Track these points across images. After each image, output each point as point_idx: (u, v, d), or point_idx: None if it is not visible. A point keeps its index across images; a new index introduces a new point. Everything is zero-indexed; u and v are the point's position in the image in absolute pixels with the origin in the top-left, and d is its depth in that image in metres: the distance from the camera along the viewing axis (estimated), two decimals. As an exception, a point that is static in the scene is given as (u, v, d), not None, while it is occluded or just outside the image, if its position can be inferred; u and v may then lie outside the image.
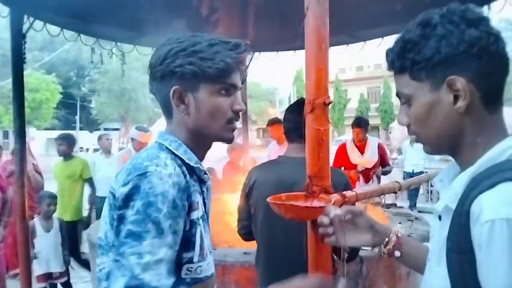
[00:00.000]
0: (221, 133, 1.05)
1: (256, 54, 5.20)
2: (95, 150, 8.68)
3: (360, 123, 4.79)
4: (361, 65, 36.30)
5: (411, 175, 8.09)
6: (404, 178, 8.31)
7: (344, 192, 1.46)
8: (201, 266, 1.01)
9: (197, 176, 1.06)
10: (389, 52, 0.86)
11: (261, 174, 1.85)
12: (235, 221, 3.65)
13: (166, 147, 1.02)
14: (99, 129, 29.05)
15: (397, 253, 1.05)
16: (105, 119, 28.71)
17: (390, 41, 0.90)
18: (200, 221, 1.03)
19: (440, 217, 0.85)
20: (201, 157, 1.09)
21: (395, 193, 1.83)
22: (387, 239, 1.06)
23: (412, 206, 8.36)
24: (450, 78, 0.78)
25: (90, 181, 5.01)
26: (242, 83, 1.10)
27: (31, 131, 24.71)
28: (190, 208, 0.99)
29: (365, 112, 28.12)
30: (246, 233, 2.01)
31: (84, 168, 4.94)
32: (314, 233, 1.44)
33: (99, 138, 6.15)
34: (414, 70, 0.81)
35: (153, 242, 0.87)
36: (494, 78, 0.79)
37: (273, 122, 5.28)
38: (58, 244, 3.95)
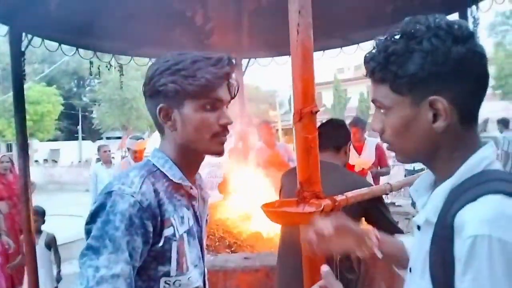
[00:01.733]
0: (209, 147, 1.08)
1: (252, 60, 5.27)
2: (98, 160, 8.79)
3: (357, 123, 4.81)
4: (360, 64, 36.23)
5: (412, 172, 8.15)
6: (405, 176, 8.35)
7: (335, 197, 1.51)
8: (180, 280, 1.04)
9: (185, 191, 1.10)
10: (369, 60, 0.84)
11: (288, 178, 1.97)
12: (235, 226, 3.70)
13: (153, 164, 1.08)
14: (101, 138, 29.16)
15: (379, 254, 1.08)
16: (106, 128, 28.80)
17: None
18: (184, 236, 1.06)
19: (419, 227, 0.86)
20: (191, 172, 1.14)
21: (387, 194, 1.88)
22: (367, 242, 1.08)
23: (414, 203, 8.39)
24: (432, 98, 0.77)
25: None
26: (233, 96, 1.12)
27: (34, 143, 24.83)
28: (163, 225, 1.01)
29: (365, 112, 28.08)
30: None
31: None
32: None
33: (98, 149, 6.20)
34: (395, 84, 0.80)
35: (109, 257, 0.91)
36: (475, 97, 0.79)
37: (262, 122, 5.04)
38: (42, 261, 3.88)
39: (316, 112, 1.47)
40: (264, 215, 1.41)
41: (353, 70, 37.04)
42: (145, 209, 0.97)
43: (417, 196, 0.92)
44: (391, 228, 1.81)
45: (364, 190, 1.68)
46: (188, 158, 1.11)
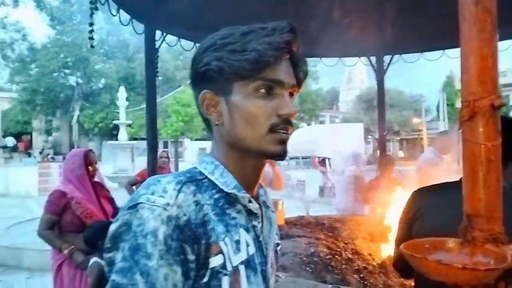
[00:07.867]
0: (263, 145, 0.79)
1: (396, 57, 4.64)
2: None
3: None
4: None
5: None
6: None
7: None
8: None
9: (243, 205, 0.81)
10: None
11: (437, 198, 1.46)
12: (367, 247, 3.19)
13: (200, 172, 0.81)
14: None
15: None
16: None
17: None
18: (240, 268, 0.76)
19: None
20: (250, 181, 0.84)
21: None
22: None
23: None
24: None
25: None
26: (301, 81, 0.84)
27: (185, 142, 27.44)
28: (209, 251, 0.72)
29: (533, 120, 24.07)
30: (404, 269, 1.56)
31: None
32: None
33: None
34: None
35: None
36: None
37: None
38: None
39: (500, 107, 0.94)
40: (409, 262, 0.94)
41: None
42: (182, 227, 0.70)
43: None
44: None
45: None
46: (243, 163, 0.83)
